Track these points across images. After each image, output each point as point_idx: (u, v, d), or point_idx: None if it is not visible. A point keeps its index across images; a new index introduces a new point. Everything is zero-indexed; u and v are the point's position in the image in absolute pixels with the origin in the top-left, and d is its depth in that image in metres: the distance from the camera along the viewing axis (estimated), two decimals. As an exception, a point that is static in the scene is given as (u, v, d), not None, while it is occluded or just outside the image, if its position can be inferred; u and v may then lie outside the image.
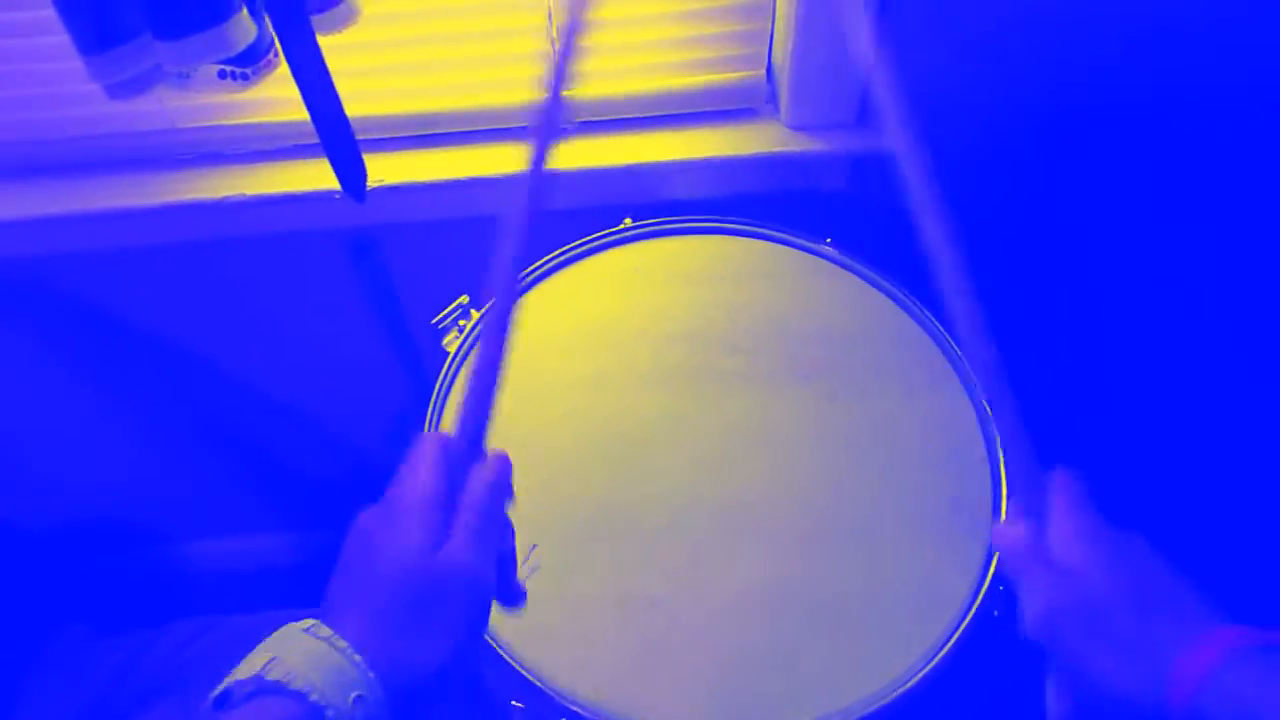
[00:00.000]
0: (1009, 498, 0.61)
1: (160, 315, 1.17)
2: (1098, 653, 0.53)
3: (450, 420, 0.58)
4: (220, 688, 0.49)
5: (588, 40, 0.92)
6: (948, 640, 0.73)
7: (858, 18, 0.71)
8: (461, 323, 0.90)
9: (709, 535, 0.79)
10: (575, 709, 0.71)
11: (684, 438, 0.84)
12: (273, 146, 0.97)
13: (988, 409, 0.83)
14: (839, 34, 0.89)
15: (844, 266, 0.94)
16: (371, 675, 0.50)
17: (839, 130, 0.98)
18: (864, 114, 0.97)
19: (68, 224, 0.97)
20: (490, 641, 0.74)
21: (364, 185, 0.91)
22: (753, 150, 0.98)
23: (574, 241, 0.95)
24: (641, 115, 0.99)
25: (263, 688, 0.48)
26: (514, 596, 0.61)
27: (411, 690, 0.52)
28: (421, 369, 1.25)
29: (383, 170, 0.96)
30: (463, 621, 0.54)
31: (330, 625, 0.51)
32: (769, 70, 0.98)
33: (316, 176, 0.96)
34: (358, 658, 0.50)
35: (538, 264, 0.94)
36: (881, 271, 0.93)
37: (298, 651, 0.50)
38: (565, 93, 0.66)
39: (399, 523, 0.55)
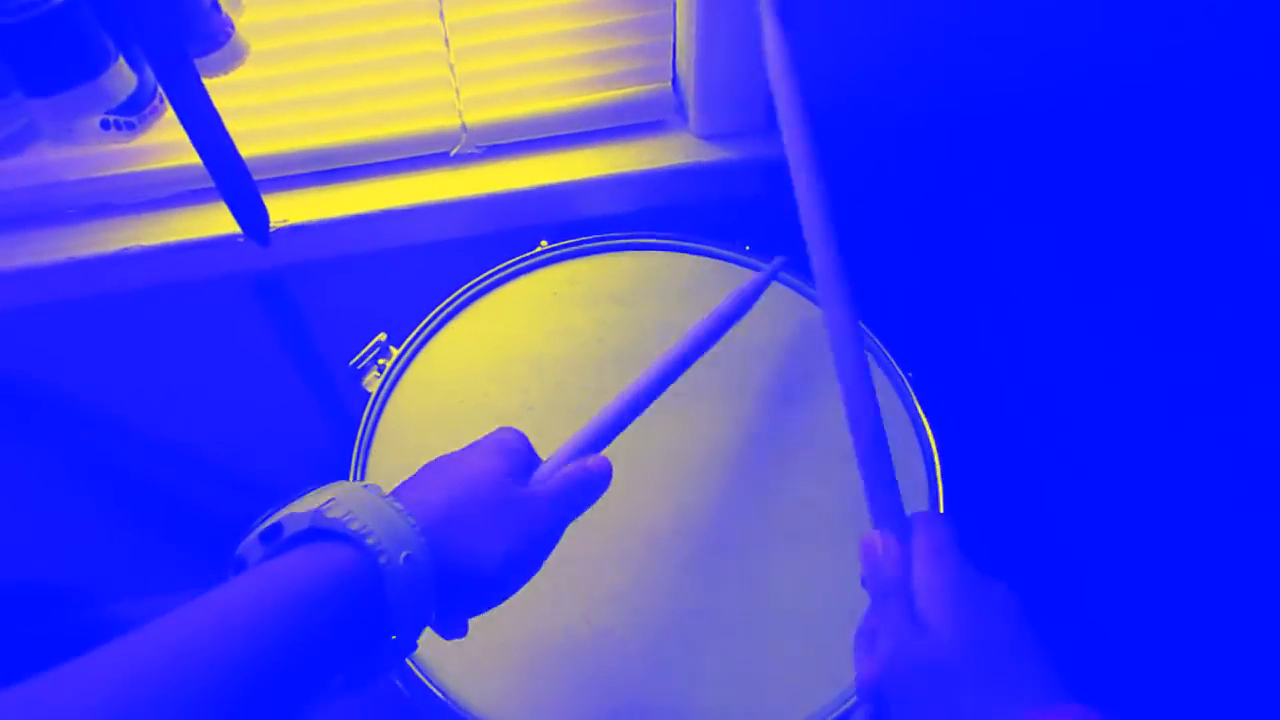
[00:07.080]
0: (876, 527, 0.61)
1: (69, 374, 1.12)
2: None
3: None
4: (270, 521, 0.47)
5: (489, 62, 0.90)
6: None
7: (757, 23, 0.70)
8: (381, 361, 0.88)
9: (650, 560, 0.78)
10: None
11: (619, 463, 0.82)
12: (168, 193, 0.93)
13: (920, 411, 0.83)
14: (740, 41, 0.88)
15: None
16: (424, 540, 0.49)
17: (749, 137, 0.97)
18: (773, 118, 0.96)
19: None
20: (434, 689, 0.72)
21: (267, 228, 0.88)
22: (664, 162, 0.96)
23: (491, 269, 0.93)
24: (549, 135, 0.97)
25: (317, 525, 0.46)
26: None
27: (459, 581, 0.51)
28: (343, 409, 1.22)
29: (285, 210, 0.93)
30: (526, 541, 0.55)
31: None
32: (674, 81, 0.96)
33: (217, 221, 0.92)
34: (414, 521, 0.49)
35: (454, 294, 0.91)
36: (804, 277, 0.92)
37: (356, 499, 0.48)
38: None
39: (489, 453, 0.57)
